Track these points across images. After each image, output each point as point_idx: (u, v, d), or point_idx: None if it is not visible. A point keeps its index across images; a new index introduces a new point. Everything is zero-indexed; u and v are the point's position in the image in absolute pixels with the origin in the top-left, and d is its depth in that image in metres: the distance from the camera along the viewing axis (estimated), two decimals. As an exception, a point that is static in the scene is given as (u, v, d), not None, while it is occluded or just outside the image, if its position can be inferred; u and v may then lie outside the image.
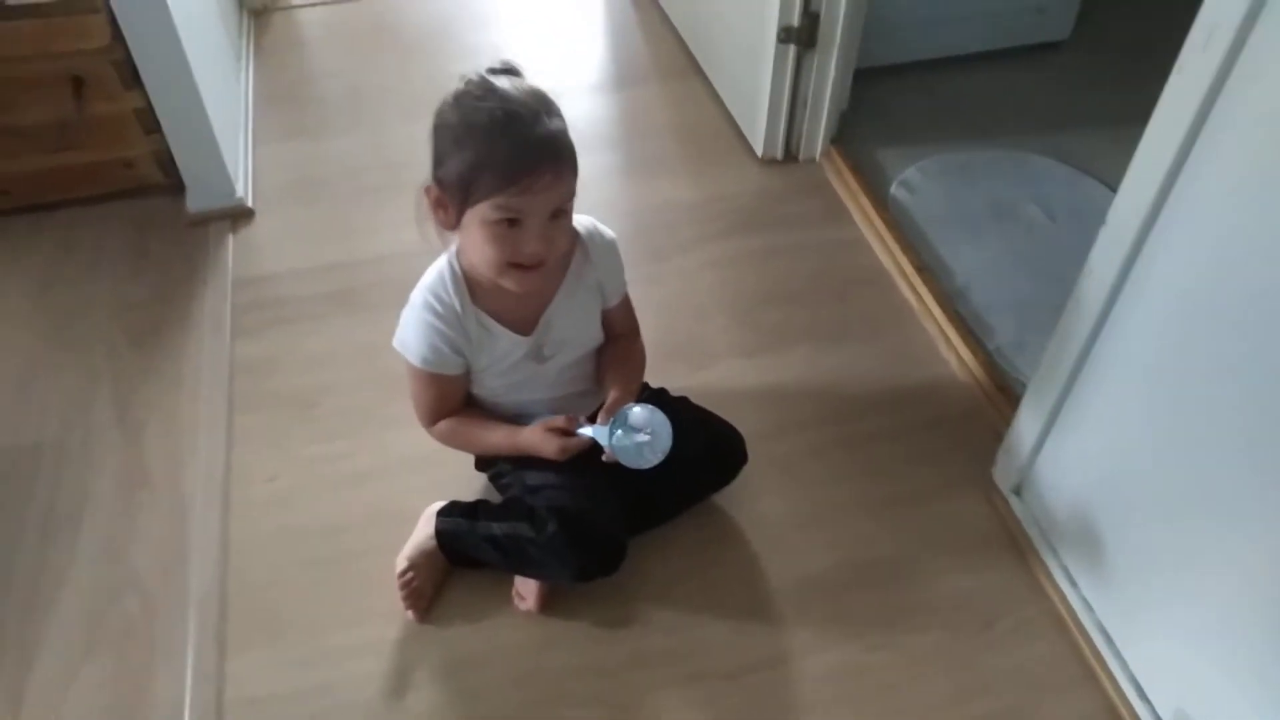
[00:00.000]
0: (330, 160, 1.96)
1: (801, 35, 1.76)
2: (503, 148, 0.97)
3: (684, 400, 1.37)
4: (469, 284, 1.12)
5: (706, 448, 1.31)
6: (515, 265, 1.04)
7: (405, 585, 1.24)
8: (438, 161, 1.03)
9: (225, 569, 1.30)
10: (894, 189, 1.86)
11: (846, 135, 1.95)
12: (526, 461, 1.24)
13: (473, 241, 1.04)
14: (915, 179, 1.88)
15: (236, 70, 2.10)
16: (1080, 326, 1.13)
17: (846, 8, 1.72)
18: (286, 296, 1.67)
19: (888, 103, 2.06)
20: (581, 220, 1.18)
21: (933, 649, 1.23)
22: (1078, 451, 1.21)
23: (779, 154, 1.93)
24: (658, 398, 1.33)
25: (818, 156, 1.93)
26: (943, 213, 1.81)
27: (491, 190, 0.98)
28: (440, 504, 1.31)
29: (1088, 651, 1.20)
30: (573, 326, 1.20)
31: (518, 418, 1.24)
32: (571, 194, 1.04)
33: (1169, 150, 0.95)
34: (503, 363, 1.18)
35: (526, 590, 1.26)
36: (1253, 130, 0.86)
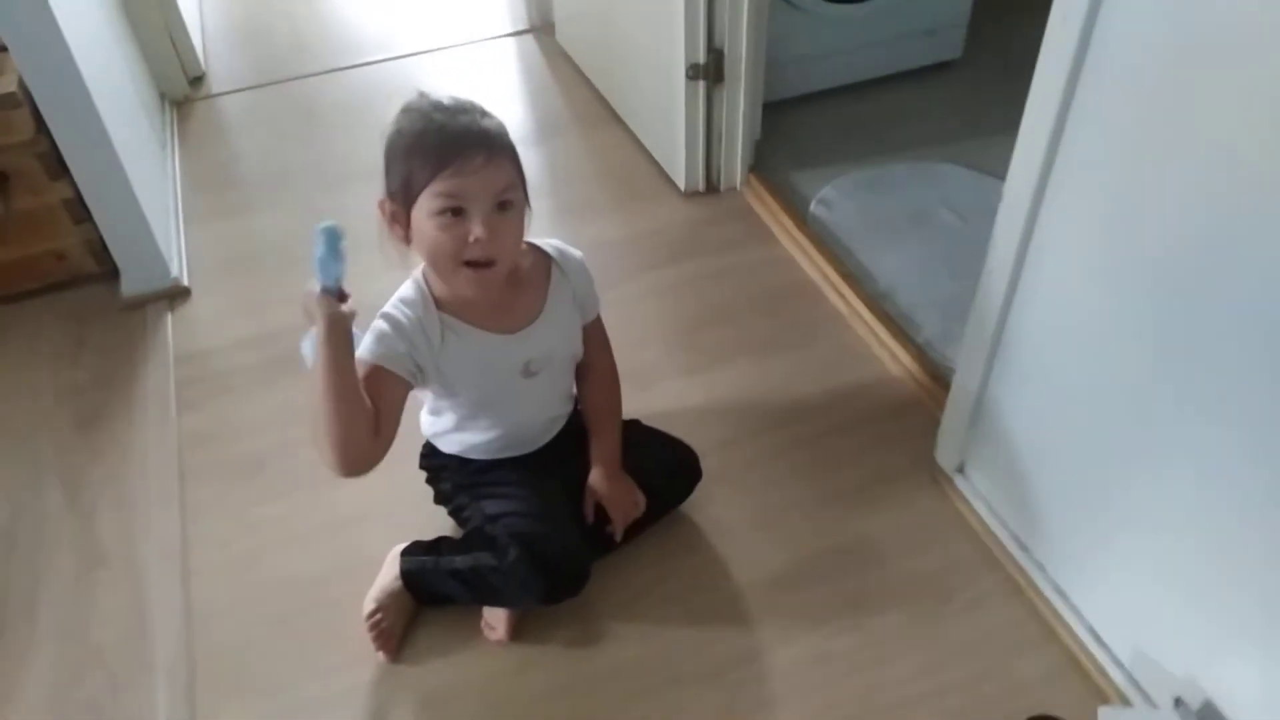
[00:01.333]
0: (261, 235, 1.98)
1: (709, 71, 1.85)
2: (434, 136, 1.03)
3: (634, 423, 1.41)
4: (436, 300, 1.14)
5: (662, 467, 1.35)
6: (468, 264, 1.06)
7: (374, 627, 1.24)
8: (386, 174, 1.08)
9: (190, 635, 1.29)
10: (813, 207, 1.94)
11: (763, 162, 2.03)
12: (484, 491, 1.26)
13: (425, 244, 1.07)
14: (832, 196, 1.97)
15: (162, 157, 2.13)
16: (993, 300, 1.20)
17: (748, 43, 1.81)
18: (228, 368, 1.68)
19: (799, 129, 2.16)
20: (548, 242, 1.23)
21: (895, 629, 1.26)
22: (1008, 420, 1.27)
23: (701, 186, 2.01)
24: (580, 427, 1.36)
25: (738, 185, 2.01)
26: (861, 224, 1.89)
27: (429, 177, 1.03)
28: (404, 545, 1.32)
29: (1045, 610, 1.25)
30: (558, 341, 1.23)
31: (501, 440, 1.26)
32: (512, 185, 1.07)
33: (1046, 123, 1.03)
34: (478, 368, 1.17)
35: (495, 620, 1.27)
36: (1115, 91, 0.95)
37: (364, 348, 1.11)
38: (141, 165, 1.84)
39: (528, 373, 1.21)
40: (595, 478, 1.28)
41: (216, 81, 2.50)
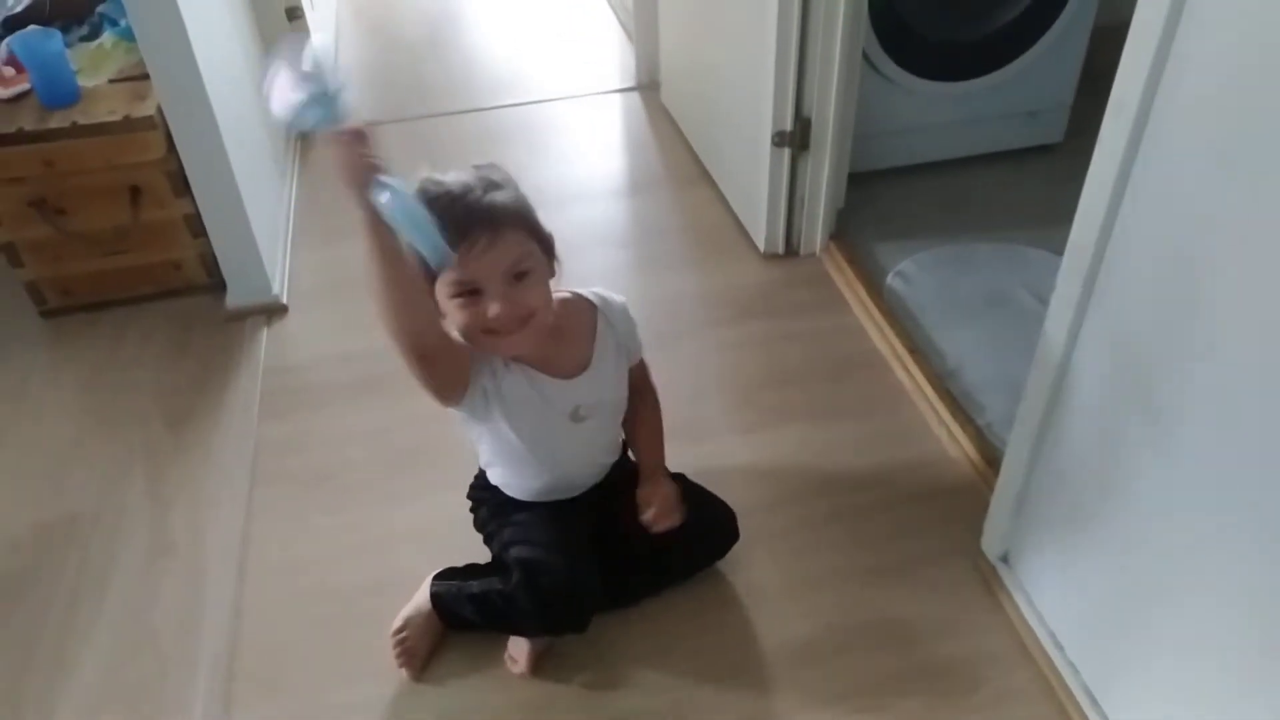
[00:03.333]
0: (359, 264, 2.09)
1: (794, 139, 1.88)
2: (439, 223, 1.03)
3: (680, 477, 1.43)
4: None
5: (701, 525, 1.37)
6: (489, 331, 1.11)
7: (400, 644, 1.29)
8: None
9: (237, 630, 1.36)
10: (890, 279, 1.94)
11: (844, 231, 2.05)
12: (509, 519, 1.30)
13: (452, 321, 1.12)
14: (910, 270, 1.96)
15: (281, 183, 2.28)
16: (1041, 388, 1.19)
17: (835, 114, 1.85)
18: (312, 384, 1.78)
19: (886, 201, 2.16)
20: (592, 291, 1.27)
21: (918, 713, 1.24)
22: (1052, 514, 1.24)
23: (780, 249, 2.03)
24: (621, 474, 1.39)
25: (817, 251, 2.03)
26: (936, 300, 1.88)
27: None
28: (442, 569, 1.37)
29: (1074, 713, 1.20)
30: (607, 388, 1.27)
31: (545, 486, 1.30)
32: (524, 256, 1.10)
33: (1098, 214, 1.03)
34: (531, 412, 1.21)
35: (518, 652, 1.30)
36: (1158, 197, 0.94)
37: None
38: (258, 189, 1.98)
39: (577, 417, 1.24)
40: (641, 484, 1.33)
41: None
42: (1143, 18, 0.92)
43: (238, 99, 1.92)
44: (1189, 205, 0.92)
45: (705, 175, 2.32)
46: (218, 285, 1.97)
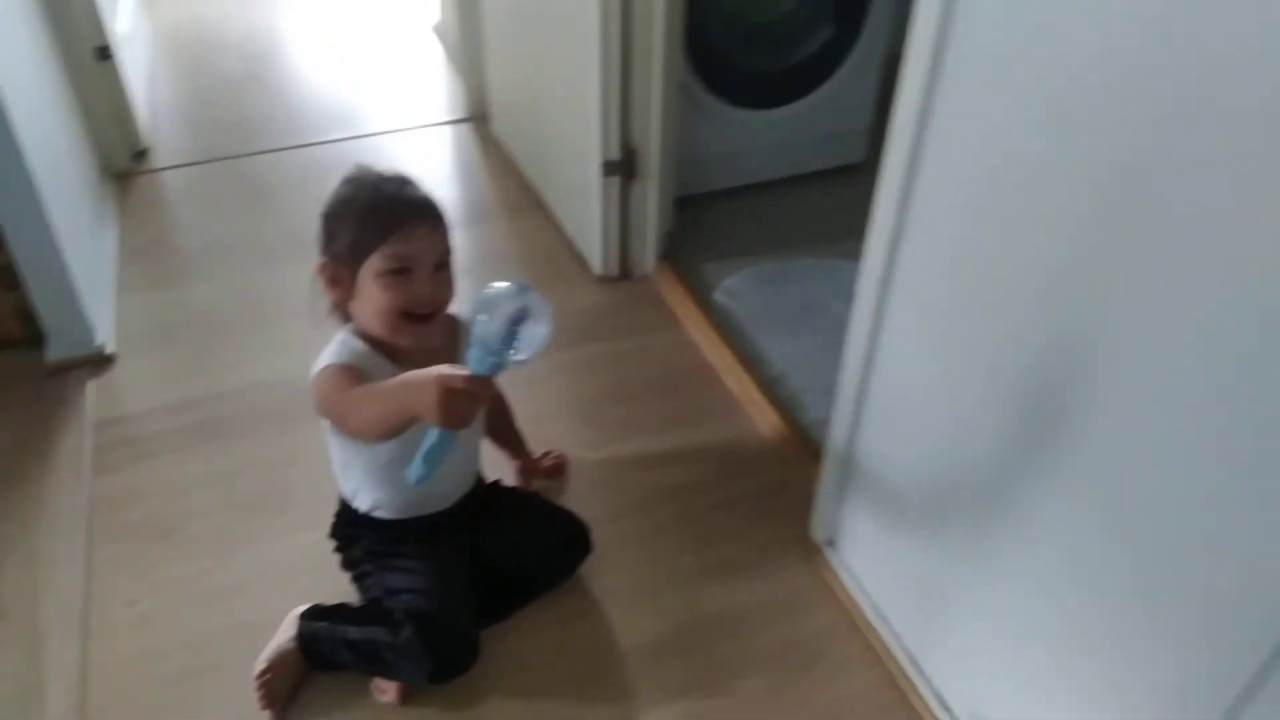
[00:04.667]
0: (191, 305, 2.06)
1: (623, 168, 1.99)
2: (385, 206, 1.18)
3: (534, 495, 1.50)
4: (374, 348, 1.24)
5: (555, 539, 1.45)
6: (408, 316, 1.19)
7: (263, 686, 1.29)
8: (329, 240, 1.21)
9: (84, 693, 1.32)
10: (717, 295, 2.07)
11: (674, 252, 2.17)
12: (390, 563, 1.33)
13: (369, 299, 1.19)
14: (735, 286, 2.10)
15: (99, 228, 2.20)
16: (851, 383, 1.33)
17: (659, 143, 1.96)
18: (147, 433, 1.73)
19: (711, 223, 2.31)
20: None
21: (763, 693, 1.34)
22: (869, 497, 1.38)
23: (615, 272, 2.13)
24: (493, 489, 1.46)
25: (649, 272, 2.14)
26: (761, 313, 2.02)
27: (380, 241, 1.16)
28: (304, 607, 1.38)
29: (900, 677, 1.34)
30: None
31: (414, 494, 1.29)
32: (449, 250, 1.23)
33: (888, 225, 1.17)
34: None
35: (387, 683, 1.32)
36: (940, 204, 1.09)
37: (334, 357, 1.21)
38: (76, 235, 1.92)
39: None
40: (521, 458, 1.60)
41: (161, 156, 2.59)
42: (912, 60, 1.06)
43: (51, 143, 1.85)
44: (962, 211, 1.07)
45: (539, 204, 2.40)
46: (36, 338, 1.88)
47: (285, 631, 1.35)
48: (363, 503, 1.37)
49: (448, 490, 1.39)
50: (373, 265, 1.18)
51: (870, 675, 1.36)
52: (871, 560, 1.42)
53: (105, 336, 1.91)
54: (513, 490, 1.55)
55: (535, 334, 1.03)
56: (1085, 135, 0.87)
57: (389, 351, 1.24)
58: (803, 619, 1.44)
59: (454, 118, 2.85)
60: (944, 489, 1.22)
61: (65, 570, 1.48)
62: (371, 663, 1.30)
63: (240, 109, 2.86)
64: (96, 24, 2.35)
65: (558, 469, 1.65)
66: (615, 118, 1.92)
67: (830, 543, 1.50)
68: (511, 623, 1.42)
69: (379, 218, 1.18)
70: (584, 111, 1.95)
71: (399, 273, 1.18)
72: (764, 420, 1.77)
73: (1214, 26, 0.74)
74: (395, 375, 1.16)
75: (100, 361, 1.87)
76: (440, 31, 3.27)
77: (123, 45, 2.50)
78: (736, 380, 1.85)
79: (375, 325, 1.22)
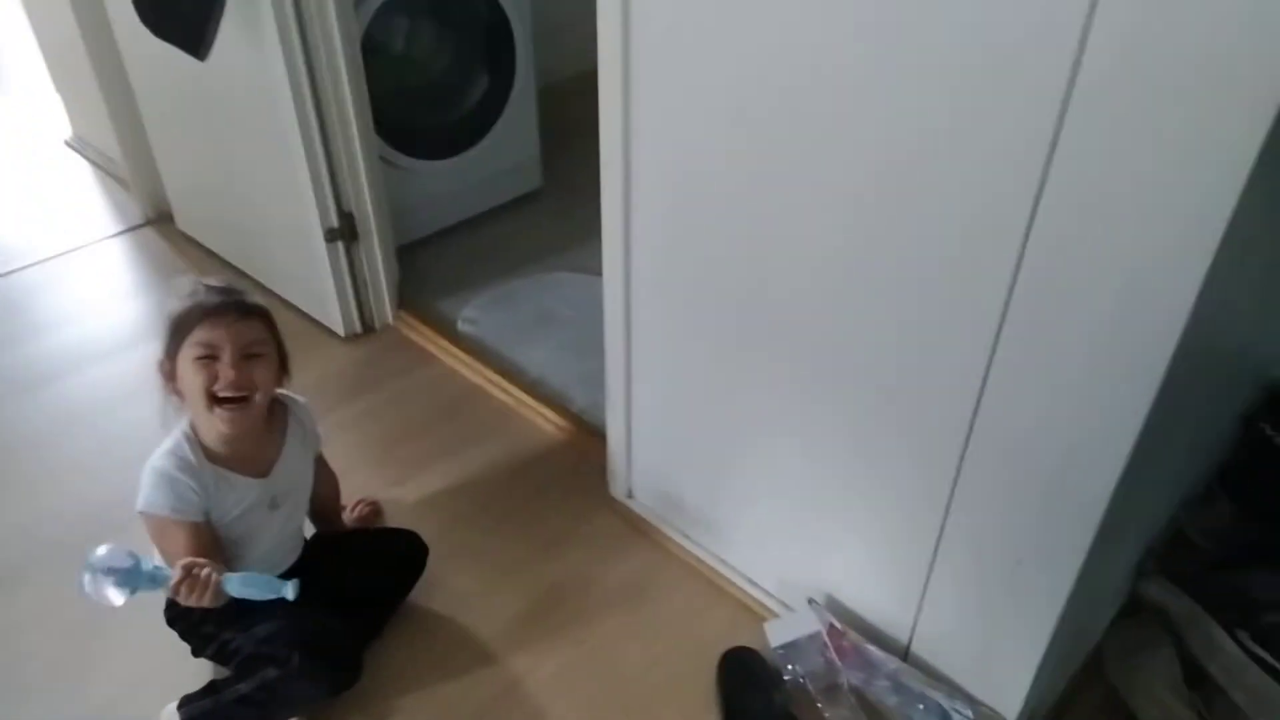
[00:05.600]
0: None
1: (343, 233, 2.15)
2: (200, 302, 1.34)
3: (360, 531, 1.66)
4: (203, 449, 1.37)
5: (395, 554, 1.63)
6: (220, 401, 1.32)
7: None
8: (166, 340, 1.35)
9: None
10: (460, 325, 2.30)
11: (409, 297, 2.36)
12: (250, 620, 1.42)
13: (186, 385, 1.33)
14: (473, 314, 2.34)
15: None
16: (617, 364, 1.63)
17: (372, 202, 2.15)
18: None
19: (433, 264, 2.52)
20: (280, 392, 1.48)
21: (615, 629, 1.61)
22: (652, 449, 1.70)
23: (358, 329, 2.28)
24: (319, 542, 1.61)
25: (390, 321, 2.32)
26: (503, 331, 2.28)
27: (189, 330, 1.32)
28: (173, 702, 1.42)
29: (715, 577, 1.67)
30: (298, 474, 1.50)
31: (247, 566, 1.41)
32: (260, 342, 1.36)
33: (618, 228, 1.48)
34: (238, 510, 1.40)
35: None
36: (652, 202, 1.42)
37: (169, 506, 1.33)
38: None
39: (274, 505, 1.43)
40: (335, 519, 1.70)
41: None
42: (606, 88, 1.37)
43: None
44: (670, 195, 1.40)
45: (255, 285, 2.45)
46: None
47: None
48: None
49: (278, 560, 1.50)
50: (186, 354, 1.33)
51: (693, 585, 1.68)
52: (664, 497, 1.73)
53: None
54: (334, 535, 1.68)
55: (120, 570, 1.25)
56: (749, 125, 1.23)
57: (211, 455, 1.37)
58: (627, 560, 1.72)
59: (129, 225, 2.78)
60: (700, 417, 1.56)
61: (-104, 759, 1.40)
62: (270, 706, 1.37)
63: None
64: None
65: (372, 515, 1.80)
66: (328, 188, 2.08)
67: (629, 495, 1.80)
68: (384, 641, 1.57)
69: (196, 311, 1.33)
70: (293, 189, 2.08)
71: (206, 359, 1.32)
72: (540, 418, 2.03)
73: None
74: (214, 475, 1.36)
75: None
76: (79, 145, 3.15)
77: None
78: (503, 392, 2.09)
79: (195, 411, 1.35)
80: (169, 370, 1.35)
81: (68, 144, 3.19)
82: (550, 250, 2.58)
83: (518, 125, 2.69)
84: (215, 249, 2.59)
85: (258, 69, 1.95)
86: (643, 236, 1.47)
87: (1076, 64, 0.90)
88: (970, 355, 1.13)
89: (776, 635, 1.49)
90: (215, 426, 1.34)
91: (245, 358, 1.34)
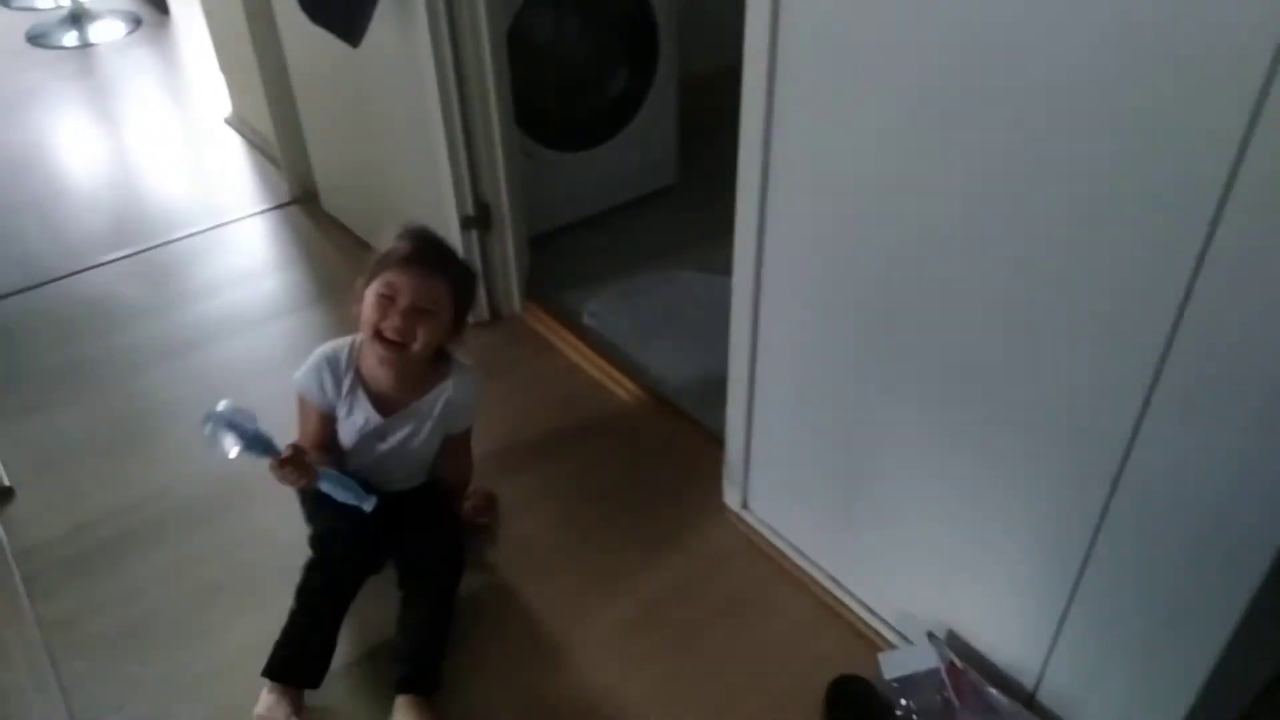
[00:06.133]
0: (68, 428, 2.04)
1: (479, 221, 2.18)
2: (404, 248, 1.48)
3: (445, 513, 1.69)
4: (361, 357, 1.54)
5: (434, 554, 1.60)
6: (382, 339, 1.44)
7: None
8: (370, 266, 1.49)
9: (98, 801, 1.36)
10: (585, 319, 2.29)
11: (537, 288, 2.37)
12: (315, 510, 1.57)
13: (365, 307, 1.46)
14: (598, 308, 2.33)
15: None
16: (741, 369, 1.58)
17: (508, 193, 2.16)
18: (72, 553, 1.74)
19: (562, 256, 2.53)
20: (463, 362, 1.60)
21: (720, 642, 1.57)
22: (771, 458, 1.64)
23: (486, 316, 2.31)
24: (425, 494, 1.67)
25: (518, 311, 2.33)
26: (627, 327, 2.26)
27: (385, 269, 1.46)
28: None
29: (828, 599, 1.61)
30: (417, 431, 1.57)
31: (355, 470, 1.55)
32: (436, 303, 1.46)
33: (752, 229, 1.43)
34: (354, 424, 1.55)
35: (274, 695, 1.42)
36: (794, 201, 1.36)
37: (299, 382, 1.55)
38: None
39: (381, 438, 1.57)
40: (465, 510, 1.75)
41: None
42: (750, 82, 1.32)
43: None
44: (810, 217, 1.35)
45: (392, 268, 2.52)
46: (-83, 488, 1.83)
47: (266, 694, 1.43)
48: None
49: (380, 483, 1.55)
50: (373, 287, 1.46)
51: (805, 604, 1.62)
52: (781, 511, 1.68)
53: (-2, 471, 1.88)
54: (434, 505, 1.68)
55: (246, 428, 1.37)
56: (901, 140, 1.16)
57: (360, 368, 1.54)
58: (735, 574, 1.68)
59: (278, 203, 2.90)
60: (827, 435, 1.49)
61: (39, 696, 1.49)
62: (306, 594, 1.46)
63: (51, 230, 2.78)
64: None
65: (486, 506, 1.79)
66: (466, 179, 2.11)
67: (744, 505, 1.75)
68: (477, 645, 1.56)
69: (393, 254, 1.47)
70: (433, 177, 2.12)
71: (385, 298, 1.44)
72: (658, 418, 2.00)
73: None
74: (352, 384, 1.53)
75: (1, 495, 1.85)
76: (237, 123, 3.31)
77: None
78: (622, 389, 2.08)
79: (364, 334, 1.49)
80: (360, 293, 1.48)
81: (227, 122, 3.36)
82: (680, 247, 2.55)
83: (657, 119, 2.67)
84: (356, 230, 2.67)
85: (405, 57, 1.99)
86: (777, 241, 1.42)
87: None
88: (1125, 400, 1.03)
89: (892, 668, 1.42)
90: (371, 355, 1.50)
91: (416, 310, 1.44)
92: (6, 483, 1.87)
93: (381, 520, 1.48)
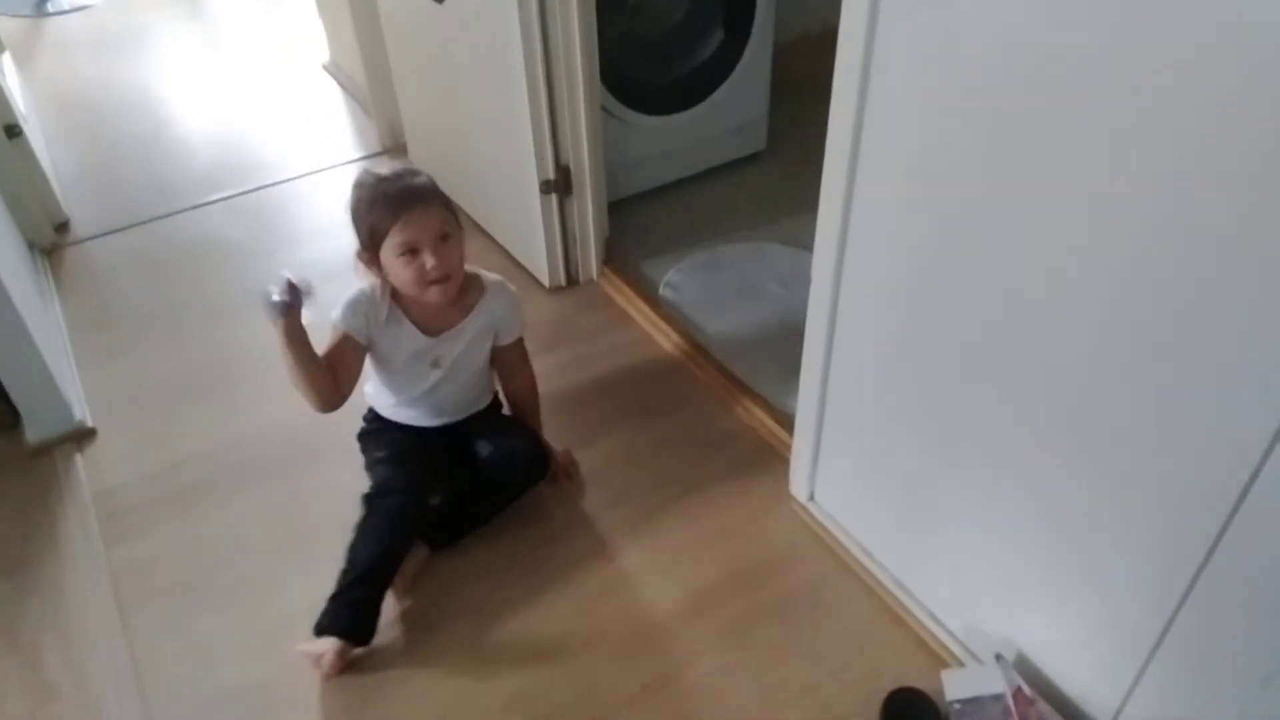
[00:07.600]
0: (153, 371, 2.09)
1: (559, 185, 2.13)
2: (383, 201, 1.47)
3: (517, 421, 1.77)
4: (394, 292, 1.56)
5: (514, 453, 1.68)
6: (429, 283, 1.48)
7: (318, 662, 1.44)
8: (357, 234, 1.52)
9: (156, 748, 1.40)
10: (662, 290, 2.23)
11: (614, 255, 2.32)
12: (374, 452, 1.67)
13: (397, 275, 1.50)
14: (676, 279, 2.27)
15: (44, 305, 2.21)
16: (816, 353, 1.50)
17: (590, 157, 2.10)
18: (147, 499, 1.78)
19: (642, 223, 2.46)
20: (491, 276, 1.65)
21: (777, 638, 1.52)
22: (842, 452, 1.57)
23: (563, 282, 2.27)
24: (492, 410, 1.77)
25: (595, 277, 2.29)
26: (704, 300, 2.20)
27: (386, 230, 1.46)
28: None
29: (892, 603, 1.54)
30: (465, 347, 1.62)
31: (405, 406, 1.66)
32: (446, 221, 1.49)
33: (837, 208, 1.34)
34: (402, 355, 1.58)
35: (317, 650, 1.45)
36: (884, 178, 1.27)
37: (337, 315, 1.55)
38: (33, 314, 1.93)
39: (435, 364, 1.61)
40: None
41: (81, 227, 2.58)
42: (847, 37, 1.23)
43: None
44: (902, 201, 1.25)
45: (473, 225, 2.50)
46: (9, 422, 1.90)
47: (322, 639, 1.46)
48: (369, 389, 1.68)
49: (430, 415, 1.67)
50: (388, 249, 1.48)
51: (866, 606, 1.55)
52: (850, 506, 1.61)
53: (82, 411, 1.94)
54: (509, 419, 1.78)
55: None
56: (1006, 126, 1.06)
57: (397, 298, 1.57)
58: (798, 569, 1.62)
59: (369, 153, 2.91)
60: (905, 433, 1.41)
61: (105, 640, 1.54)
62: (370, 515, 1.55)
63: (151, 170, 2.86)
64: (3, 102, 2.34)
65: (569, 464, 1.80)
66: (547, 141, 2.05)
67: (811, 497, 1.68)
68: (543, 607, 1.56)
69: (381, 212, 1.46)
70: (515, 138, 2.07)
71: (409, 254, 1.47)
72: (729, 398, 1.94)
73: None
74: (390, 313, 1.56)
75: (83, 436, 1.91)
76: (334, 70, 3.32)
77: (24, 121, 2.48)
78: (695, 365, 2.02)
79: (408, 291, 1.53)
80: (369, 259, 1.52)
81: (324, 68, 3.38)
82: (764, 219, 2.46)
83: (749, 84, 2.56)
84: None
85: (491, 13, 1.93)
86: (863, 223, 1.33)
87: None
88: (1247, 440, 0.93)
89: (955, 687, 1.35)
90: (427, 300, 1.53)
91: (439, 241, 1.48)
92: (90, 424, 1.93)
93: (444, 455, 1.63)
